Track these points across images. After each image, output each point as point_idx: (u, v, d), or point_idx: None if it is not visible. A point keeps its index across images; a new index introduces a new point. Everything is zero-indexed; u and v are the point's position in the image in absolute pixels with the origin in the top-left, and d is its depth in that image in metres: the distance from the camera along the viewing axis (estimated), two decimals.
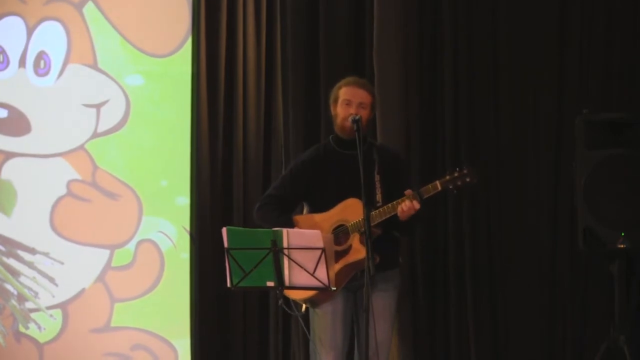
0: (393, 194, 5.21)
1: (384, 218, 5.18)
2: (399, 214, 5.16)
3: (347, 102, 5.36)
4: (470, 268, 6.51)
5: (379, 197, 5.22)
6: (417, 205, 5.15)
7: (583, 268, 6.46)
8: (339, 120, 5.38)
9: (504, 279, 6.54)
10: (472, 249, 6.52)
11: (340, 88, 5.42)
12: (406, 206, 5.14)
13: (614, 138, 6.06)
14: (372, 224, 5.08)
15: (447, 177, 5.21)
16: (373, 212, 5.15)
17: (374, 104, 5.44)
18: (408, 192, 5.18)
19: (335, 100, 5.41)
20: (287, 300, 5.16)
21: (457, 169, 5.23)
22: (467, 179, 5.20)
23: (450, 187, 5.21)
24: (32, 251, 6.98)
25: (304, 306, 5.32)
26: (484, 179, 6.24)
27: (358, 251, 5.19)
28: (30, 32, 7.01)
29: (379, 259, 5.02)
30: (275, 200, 5.45)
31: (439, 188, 5.20)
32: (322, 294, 5.16)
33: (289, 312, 5.24)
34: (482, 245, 6.55)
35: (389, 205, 5.18)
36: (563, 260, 6.49)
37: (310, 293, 5.14)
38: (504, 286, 6.55)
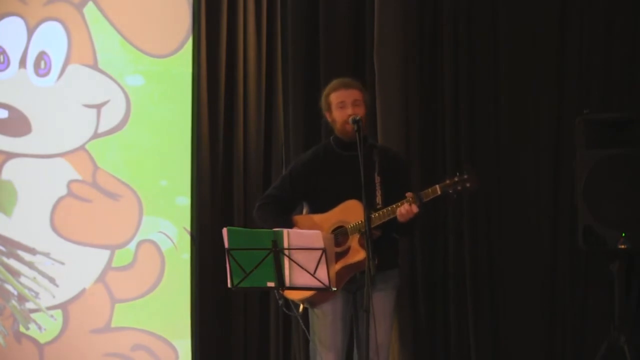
0: (393, 196, 5.20)
1: (383, 221, 5.18)
2: (398, 217, 5.16)
3: (341, 105, 5.35)
4: (470, 267, 6.51)
5: (379, 198, 5.21)
6: (415, 208, 5.15)
7: (583, 268, 6.45)
8: (338, 125, 5.37)
9: (504, 278, 6.54)
10: (471, 249, 6.52)
11: (329, 95, 5.41)
12: (405, 209, 5.14)
13: (614, 138, 6.06)
14: (371, 226, 5.08)
15: (447, 182, 5.20)
16: (373, 215, 5.15)
17: (366, 99, 5.43)
18: (409, 194, 5.18)
19: (329, 107, 5.40)
20: (287, 301, 5.17)
21: (458, 173, 5.21)
22: (467, 184, 5.18)
23: (450, 191, 5.19)
24: (33, 251, 6.98)
25: (301, 306, 5.32)
26: (483, 179, 6.25)
27: (357, 253, 5.19)
28: (30, 32, 7.02)
29: (378, 260, 5.01)
30: (274, 200, 5.45)
31: (439, 192, 5.19)
32: (320, 294, 5.16)
33: (289, 313, 5.25)
34: (482, 244, 6.54)
35: (389, 208, 5.17)
36: (563, 259, 6.48)
37: (309, 293, 5.15)
38: (503, 286, 6.54)
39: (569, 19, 6.53)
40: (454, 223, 6.57)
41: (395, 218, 5.17)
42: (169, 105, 7.07)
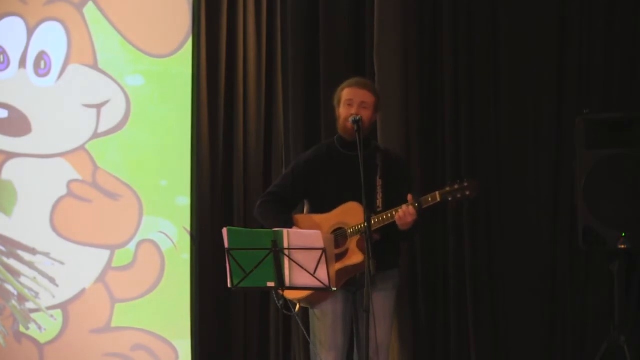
0: (394, 200, 5.20)
1: (382, 225, 5.18)
2: (396, 221, 5.16)
3: (349, 103, 5.36)
4: (470, 268, 6.51)
5: (379, 202, 5.22)
6: (412, 210, 5.14)
7: (583, 268, 6.45)
8: (341, 121, 5.39)
9: (504, 278, 6.54)
10: (472, 249, 6.52)
11: (343, 89, 5.43)
12: (402, 212, 5.14)
13: (614, 138, 6.06)
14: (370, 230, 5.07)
15: (448, 189, 5.19)
16: (373, 220, 5.14)
17: (377, 104, 5.43)
18: (409, 197, 5.18)
19: (339, 102, 5.43)
20: (286, 302, 5.17)
21: (458, 180, 5.21)
22: (467, 192, 5.18)
23: (450, 199, 5.19)
24: (33, 251, 6.98)
25: (298, 305, 5.31)
26: (483, 178, 6.26)
27: (355, 255, 5.19)
28: (30, 32, 7.02)
29: (377, 263, 4.98)
30: (275, 198, 5.45)
31: (438, 199, 5.18)
32: (319, 294, 5.17)
33: (288, 313, 5.25)
34: (482, 244, 6.54)
35: (388, 213, 5.17)
36: (563, 259, 6.48)
37: (307, 292, 5.15)
38: (503, 286, 6.54)
39: (569, 19, 6.52)
40: (454, 223, 6.57)
41: (394, 223, 5.17)
42: (169, 105, 7.07)
